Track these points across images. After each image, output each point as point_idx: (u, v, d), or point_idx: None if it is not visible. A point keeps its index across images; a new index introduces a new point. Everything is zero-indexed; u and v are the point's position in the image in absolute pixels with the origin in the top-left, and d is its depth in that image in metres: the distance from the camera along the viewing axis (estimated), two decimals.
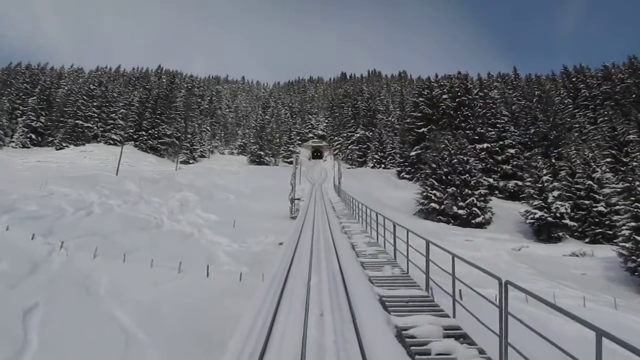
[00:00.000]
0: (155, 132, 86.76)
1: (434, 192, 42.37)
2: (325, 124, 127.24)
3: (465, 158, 43.75)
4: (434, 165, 44.44)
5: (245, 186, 55.63)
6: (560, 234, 35.55)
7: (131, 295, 16.13)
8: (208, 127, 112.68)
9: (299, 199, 40.02)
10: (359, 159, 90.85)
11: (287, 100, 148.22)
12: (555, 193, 36.88)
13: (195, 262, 20.96)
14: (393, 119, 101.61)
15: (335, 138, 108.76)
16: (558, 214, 35.63)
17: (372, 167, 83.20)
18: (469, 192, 41.73)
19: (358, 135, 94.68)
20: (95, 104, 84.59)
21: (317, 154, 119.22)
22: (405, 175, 66.76)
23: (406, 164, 67.47)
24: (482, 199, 41.86)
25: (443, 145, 45.27)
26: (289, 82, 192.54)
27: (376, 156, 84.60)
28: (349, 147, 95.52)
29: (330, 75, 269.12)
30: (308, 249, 12.05)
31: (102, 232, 23.47)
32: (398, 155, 72.81)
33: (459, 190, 42.01)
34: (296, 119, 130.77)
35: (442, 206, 41.46)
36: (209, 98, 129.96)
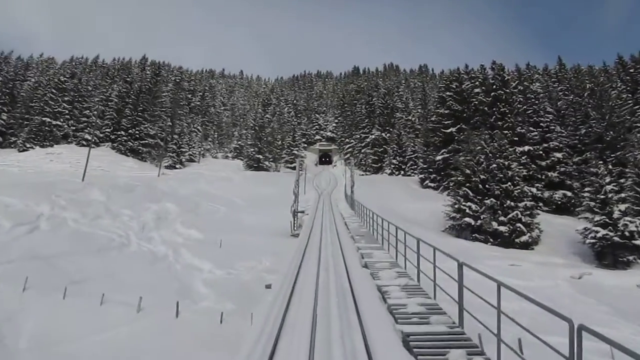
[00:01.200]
0: (137, 131, 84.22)
1: (469, 204, 39.14)
2: (334, 125, 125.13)
3: (506, 162, 40.51)
4: (467, 172, 41.21)
5: (239, 196, 53.13)
6: (630, 257, 32.13)
7: (64, 347, 13.14)
8: (199, 127, 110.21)
9: (302, 212, 37.01)
10: (374, 165, 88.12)
11: (291, 97, 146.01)
12: (623, 206, 33.51)
13: (164, 296, 18.24)
14: (414, 118, 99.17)
15: (347, 140, 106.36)
16: (627, 233, 32.25)
17: (390, 174, 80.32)
18: (512, 204, 38.47)
19: (373, 136, 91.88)
20: (66, 98, 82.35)
21: (325, 158, 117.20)
22: (429, 184, 63.78)
23: (431, 170, 64.53)
24: (528, 212, 38.56)
25: (479, 147, 42.06)
26: (294, 76, 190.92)
27: (394, 161, 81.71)
28: (363, 150, 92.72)
29: (341, 70, 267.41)
30: (309, 308, 7.91)
31: (44, 254, 20.56)
32: (421, 160, 69.92)
33: (498, 202, 38.75)
34: (301, 119, 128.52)
35: (479, 221, 38.21)
36: (200, 94, 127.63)
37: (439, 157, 62.13)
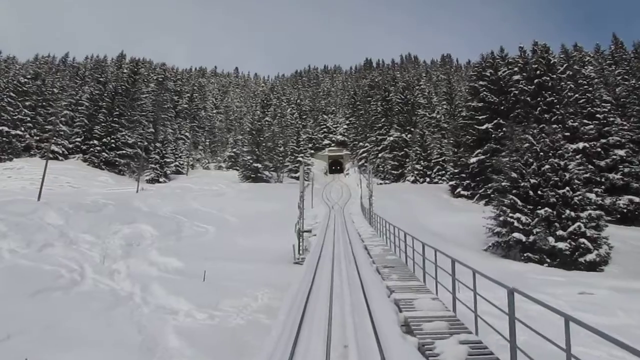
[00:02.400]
0: (112, 140, 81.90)
1: (517, 215, 35.55)
2: (345, 126, 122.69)
3: (561, 162, 36.96)
4: (514, 175, 37.63)
5: (232, 213, 50.36)
6: None
7: None
8: (187, 134, 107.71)
9: (309, 231, 33.64)
10: (393, 171, 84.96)
11: (295, 96, 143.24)
12: None
13: (119, 356, 14.94)
14: (439, 116, 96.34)
15: (360, 144, 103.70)
16: None
17: (413, 182, 77.30)
18: (572, 214, 34.88)
19: (391, 138, 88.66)
20: (27, 103, 79.96)
21: (336, 166, 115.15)
22: (462, 192, 60.55)
23: (463, 175, 61.21)
24: (594, 224, 34.97)
25: (526, 145, 38.50)
26: (297, 72, 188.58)
27: (418, 166, 78.66)
28: (380, 155, 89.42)
29: (351, 64, 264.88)
30: None
31: None
32: (451, 164, 66.61)
33: (554, 212, 35.18)
34: (307, 121, 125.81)
35: (531, 237, 34.62)
36: (188, 95, 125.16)
37: (473, 160, 58.79)
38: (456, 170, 63.75)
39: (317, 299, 10.59)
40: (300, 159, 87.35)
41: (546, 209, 35.32)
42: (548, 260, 34.04)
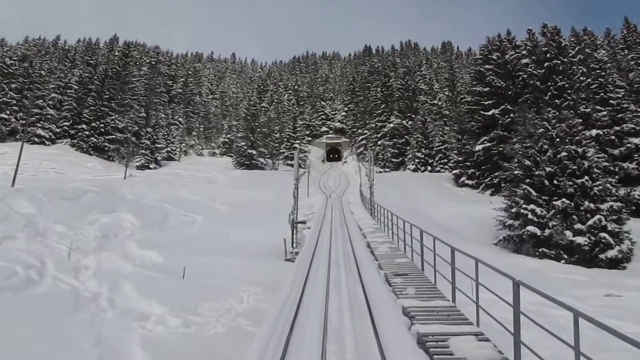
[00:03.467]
0: (101, 125, 78.84)
1: (531, 206, 32.53)
2: (344, 113, 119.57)
3: (579, 149, 33.90)
4: (527, 163, 34.54)
5: (223, 202, 47.66)
6: None
7: None
8: (181, 119, 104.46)
9: (304, 222, 30.58)
10: (394, 159, 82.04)
11: (292, 82, 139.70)
12: None
13: None
14: (440, 102, 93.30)
15: (359, 131, 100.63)
16: None
17: (414, 170, 74.39)
18: (591, 205, 31.87)
19: (391, 125, 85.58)
20: (13, 85, 76.86)
21: (333, 154, 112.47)
22: (467, 181, 57.45)
23: (468, 163, 58.12)
24: (616, 217, 31.96)
25: (541, 130, 35.41)
26: (294, 58, 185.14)
27: (419, 154, 75.91)
28: (379, 142, 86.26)
29: (349, 50, 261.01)
30: None
31: None
32: (454, 152, 63.55)
33: (572, 204, 32.15)
34: (304, 107, 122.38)
35: (547, 230, 31.62)
36: (183, 79, 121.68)
37: (478, 147, 55.71)
38: (460, 158, 60.69)
39: (301, 344, 7.21)
40: (296, 145, 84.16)
41: (563, 199, 32.33)
42: (565, 257, 31.12)
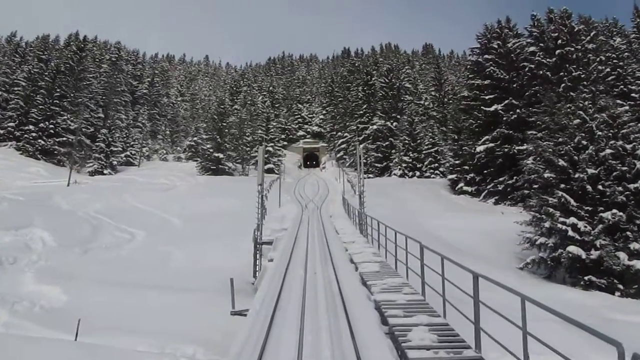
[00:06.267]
0: (51, 125, 70.16)
1: (571, 219, 24.60)
2: (322, 116, 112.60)
3: (628, 146, 26.21)
4: (562, 163, 26.61)
5: (178, 212, 39.89)
6: None
7: None
8: (145, 121, 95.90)
9: (270, 244, 21.96)
10: (377, 164, 74.22)
11: (267, 84, 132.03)
12: None
13: None
14: (427, 103, 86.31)
15: (339, 134, 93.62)
16: None
17: (401, 176, 66.60)
18: None
19: (375, 127, 77.98)
20: None
21: (311, 160, 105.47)
22: (465, 188, 49.82)
23: (466, 167, 50.49)
24: None
25: (577, 121, 27.60)
26: (270, 59, 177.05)
27: (406, 158, 68.04)
28: (361, 145, 78.05)
29: (328, 54, 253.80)
30: None
31: None
32: (450, 154, 55.96)
33: (625, 216, 24.32)
34: (280, 110, 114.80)
35: (594, 251, 23.70)
36: (149, 79, 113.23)
37: (479, 148, 47.96)
38: (457, 162, 52.89)
39: None
40: (269, 148, 75.88)
41: (614, 211, 24.39)
42: (620, 287, 23.23)
